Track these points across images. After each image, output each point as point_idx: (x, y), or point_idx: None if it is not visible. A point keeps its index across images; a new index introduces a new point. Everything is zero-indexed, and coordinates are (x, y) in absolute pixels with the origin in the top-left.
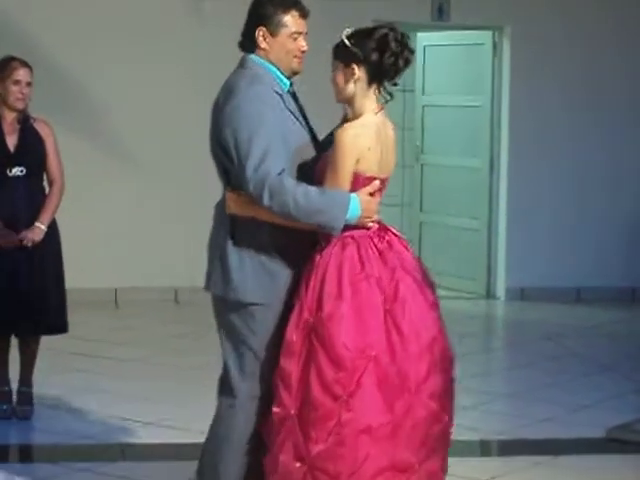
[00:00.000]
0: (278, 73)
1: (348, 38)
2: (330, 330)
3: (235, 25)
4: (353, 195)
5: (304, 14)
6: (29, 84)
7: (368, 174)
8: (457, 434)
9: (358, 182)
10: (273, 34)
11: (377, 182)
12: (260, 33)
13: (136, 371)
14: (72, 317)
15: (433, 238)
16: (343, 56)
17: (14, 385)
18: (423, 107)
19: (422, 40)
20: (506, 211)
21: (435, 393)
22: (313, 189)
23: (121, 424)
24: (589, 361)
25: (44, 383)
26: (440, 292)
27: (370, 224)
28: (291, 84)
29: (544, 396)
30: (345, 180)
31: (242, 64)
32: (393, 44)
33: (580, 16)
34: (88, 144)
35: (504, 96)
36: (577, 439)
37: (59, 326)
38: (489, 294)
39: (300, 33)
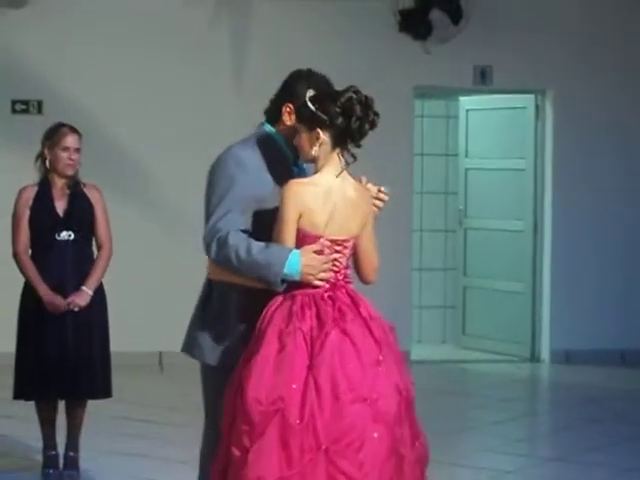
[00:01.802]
0: (284, 144)
1: (312, 102)
2: (243, 383)
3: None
4: (295, 251)
5: None
6: (78, 150)
7: (314, 232)
8: None
9: (303, 240)
10: None
11: (323, 240)
12: (286, 109)
13: (180, 435)
14: (117, 381)
15: (477, 302)
16: (307, 120)
17: (61, 449)
18: (466, 170)
19: (465, 104)
20: (550, 273)
21: (353, 456)
22: (257, 244)
23: None
24: (635, 424)
25: (90, 447)
26: (484, 356)
27: (317, 282)
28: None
29: (589, 460)
30: (288, 233)
31: (257, 133)
32: (358, 108)
33: (623, 78)
34: (135, 207)
35: (547, 159)
36: None
37: (104, 391)
38: (533, 357)
39: None
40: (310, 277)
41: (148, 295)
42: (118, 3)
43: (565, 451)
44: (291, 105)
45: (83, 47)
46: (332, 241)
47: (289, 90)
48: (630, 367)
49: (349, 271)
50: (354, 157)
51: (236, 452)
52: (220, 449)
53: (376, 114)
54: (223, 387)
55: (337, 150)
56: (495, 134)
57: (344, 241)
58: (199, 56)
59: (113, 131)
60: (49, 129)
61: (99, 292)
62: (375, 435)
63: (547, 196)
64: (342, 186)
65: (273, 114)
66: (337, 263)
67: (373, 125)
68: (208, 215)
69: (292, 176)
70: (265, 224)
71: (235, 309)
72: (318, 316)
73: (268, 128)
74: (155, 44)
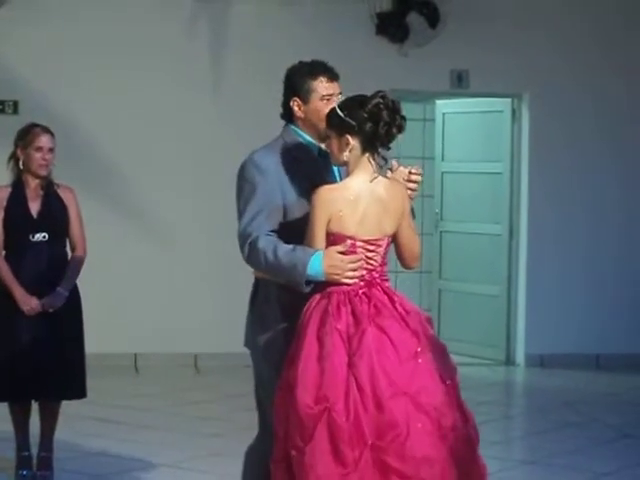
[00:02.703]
0: (309, 139)
1: (340, 108)
2: (292, 386)
3: (253, 96)
4: (318, 252)
5: (332, 78)
6: (51, 150)
7: (345, 234)
8: None
9: (334, 242)
10: (305, 102)
11: (348, 241)
12: (294, 104)
13: (155, 437)
14: (91, 382)
15: (452, 305)
16: (337, 126)
17: (34, 450)
18: (442, 174)
19: (441, 107)
20: (525, 277)
21: (399, 449)
22: (284, 247)
23: None
24: (609, 428)
25: (64, 448)
26: (459, 359)
27: (345, 281)
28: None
29: (564, 463)
30: (317, 237)
31: (281, 133)
32: (385, 113)
33: (598, 82)
34: (108, 209)
35: (523, 162)
36: None
37: (78, 391)
38: (508, 361)
39: (332, 95)
40: (335, 277)
41: (123, 296)
42: (97, 6)
43: (540, 454)
44: (297, 99)
45: (60, 48)
46: (365, 241)
47: (289, 86)
48: (605, 371)
49: (385, 268)
50: (385, 160)
51: (293, 452)
52: (277, 449)
53: (403, 118)
54: (267, 377)
55: (367, 155)
56: (472, 138)
57: (377, 240)
58: (177, 60)
59: (89, 132)
60: (22, 129)
61: (74, 293)
62: (419, 425)
63: (523, 200)
64: (373, 188)
65: (287, 114)
66: (372, 262)
67: (400, 129)
68: (238, 216)
69: (319, 171)
70: (293, 225)
71: (277, 305)
72: (353, 313)
73: (290, 127)
74: (133, 47)
